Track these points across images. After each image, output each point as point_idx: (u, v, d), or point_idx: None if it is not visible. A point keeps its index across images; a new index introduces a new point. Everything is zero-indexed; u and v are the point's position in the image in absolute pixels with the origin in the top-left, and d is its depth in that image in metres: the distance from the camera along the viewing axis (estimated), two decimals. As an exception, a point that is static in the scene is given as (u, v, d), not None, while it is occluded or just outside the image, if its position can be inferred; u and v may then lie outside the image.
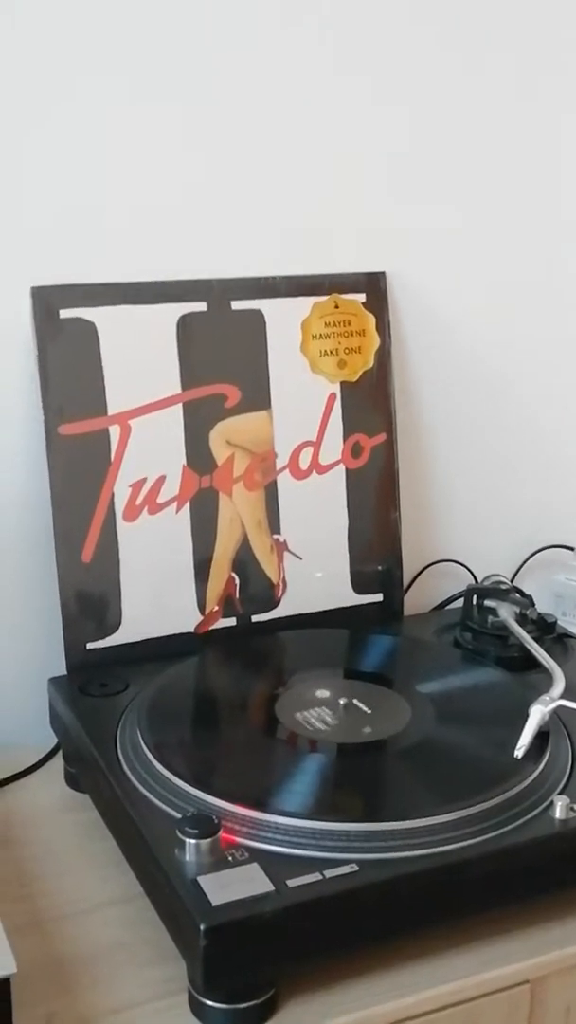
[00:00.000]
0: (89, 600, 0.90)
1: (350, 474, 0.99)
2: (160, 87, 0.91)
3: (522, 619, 0.94)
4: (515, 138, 1.06)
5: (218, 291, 0.94)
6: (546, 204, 1.09)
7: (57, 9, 0.86)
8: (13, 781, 0.89)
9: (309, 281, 0.97)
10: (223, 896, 0.62)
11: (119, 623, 0.91)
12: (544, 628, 0.95)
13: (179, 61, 0.91)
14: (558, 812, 0.70)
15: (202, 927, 0.60)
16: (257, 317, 0.95)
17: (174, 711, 0.82)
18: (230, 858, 0.65)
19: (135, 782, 0.73)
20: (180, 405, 0.93)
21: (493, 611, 0.95)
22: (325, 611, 0.99)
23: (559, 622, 0.98)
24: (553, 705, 0.77)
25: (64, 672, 0.90)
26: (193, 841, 0.65)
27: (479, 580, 1.09)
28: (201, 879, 0.63)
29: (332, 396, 0.98)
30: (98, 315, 0.89)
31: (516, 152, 1.06)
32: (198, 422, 0.93)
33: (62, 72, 0.88)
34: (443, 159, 1.03)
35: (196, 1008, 0.64)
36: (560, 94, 1.07)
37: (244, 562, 0.96)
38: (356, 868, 0.65)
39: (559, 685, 0.80)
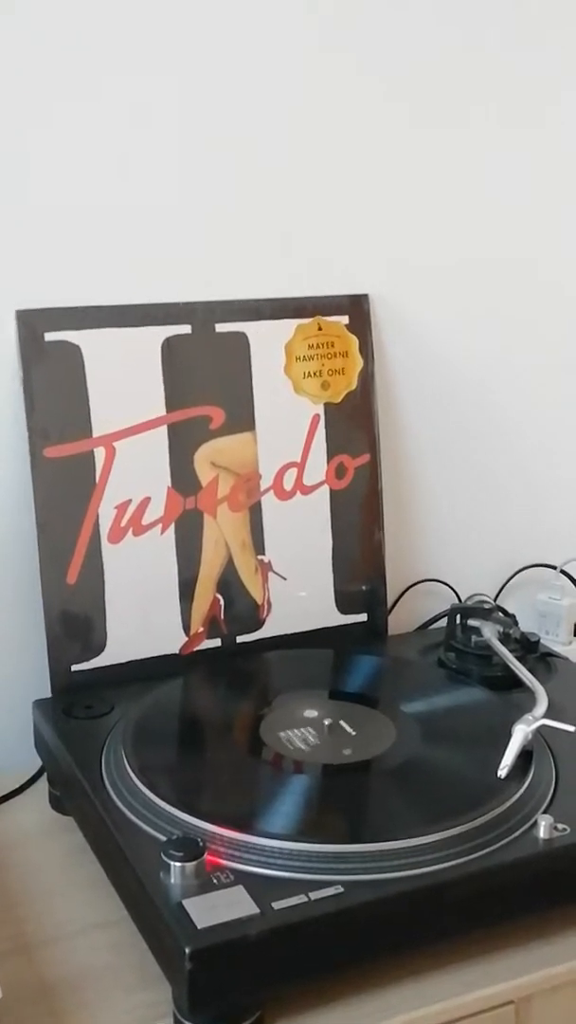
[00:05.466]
0: (74, 622, 0.90)
1: (334, 495, 1.00)
2: (147, 110, 0.92)
3: (505, 638, 0.94)
4: (497, 162, 1.07)
5: (202, 314, 0.94)
6: (528, 226, 1.10)
7: (49, 37, 0.87)
8: (-2, 804, 0.89)
9: (292, 303, 0.98)
10: (208, 919, 0.62)
11: (104, 645, 0.92)
12: (527, 647, 0.95)
13: (168, 83, 0.92)
14: (542, 832, 0.70)
15: (187, 950, 0.60)
16: (241, 339, 0.96)
17: (159, 733, 0.82)
18: (215, 881, 0.65)
19: (120, 805, 0.73)
20: (165, 427, 0.93)
21: (477, 630, 0.95)
22: (310, 631, 0.99)
23: (542, 641, 0.98)
24: (536, 724, 0.78)
25: (49, 694, 0.90)
26: (178, 864, 0.65)
27: (463, 599, 1.09)
28: (186, 902, 0.63)
29: (316, 417, 0.99)
30: (83, 338, 0.90)
31: (497, 174, 1.07)
32: (183, 444, 0.94)
33: (50, 96, 0.88)
34: (427, 183, 1.04)
35: (182, 1032, 0.64)
36: (543, 117, 1.08)
37: (229, 583, 0.96)
38: (341, 890, 0.65)
39: (542, 704, 0.81)
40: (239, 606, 0.97)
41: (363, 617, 1.02)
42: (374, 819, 0.73)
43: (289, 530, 0.98)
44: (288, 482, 0.98)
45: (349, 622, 1.01)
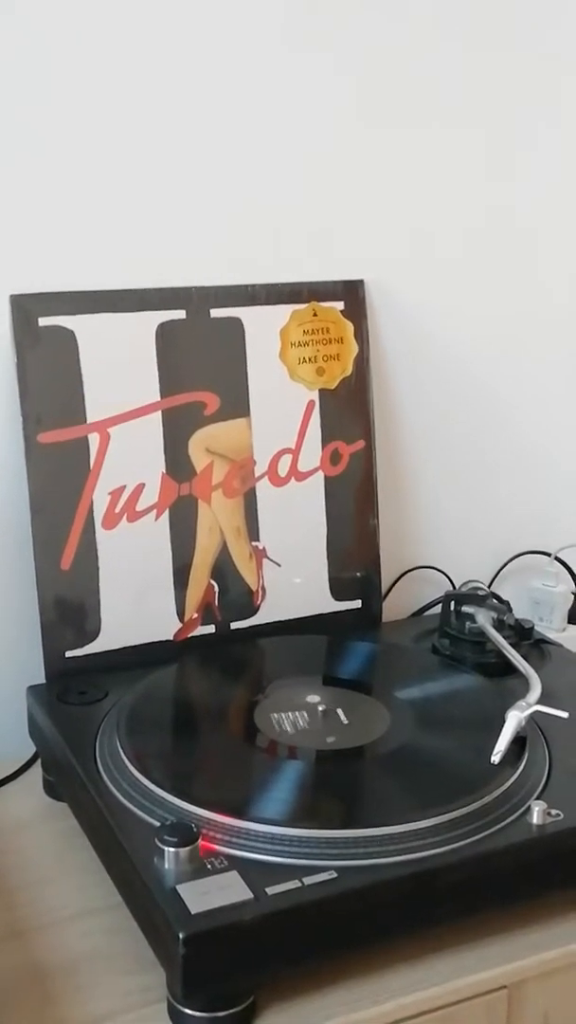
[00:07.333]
0: (68, 608, 0.90)
1: (329, 481, 1.00)
2: (144, 98, 0.91)
3: (499, 625, 0.95)
4: (495, 153, 1.06)
5: (197, 299, 0.94)
6: (525, 210, 1.09)
7: (50, 24, 0.86)
8: (-8, 790, 0.89)
9: (288, 289, 0.98)
10: (202, 904, 0.62)
11: (98, 631, 0.91)
12: (521, 634, 0.95)
13: (163, 72, 0.91)
14: (535, 817, 0.70)
15: (181, 936, 0.60)
16: (236, 325, 0.95)
17: (153, 719, 0.82)
18: (209, 866, 0.65)
19: (114, 791, 0.73)
20: (159, 413, 0.93)
21: (471, 617, 0.95)
22: (304, 618, 0.99)
23: (536, 628, 0.98)
24: (530, 711, 0.78)
25: (43, 680, 0.89)
26: (172, 849, 0.65)
27: (457, 586, 1.09)
28: (180, 888, 0.63)
29: (311, 403, 0.99)
30: (77, 323, 0.89)
31: (494, 164, 1.07)
32: (177, 430, 0.93)
33: (47, 82, 0.88)
34: (423, 170, 1.04)
35: (175, 1017, 0.64)
36: (534, 97, 1.08)
37: (223, 569, 0.96)
38: (335, 875, 0.65)
39: (536, 691, 0.81)
40: (233, 592, 0.97)
41: (357, 604, 1.02)
42: (368, 805, 0.73)
43: (284, 516, 0.98)
44: (283, 468, 0.98)
45: (343, 609, 1.01)
